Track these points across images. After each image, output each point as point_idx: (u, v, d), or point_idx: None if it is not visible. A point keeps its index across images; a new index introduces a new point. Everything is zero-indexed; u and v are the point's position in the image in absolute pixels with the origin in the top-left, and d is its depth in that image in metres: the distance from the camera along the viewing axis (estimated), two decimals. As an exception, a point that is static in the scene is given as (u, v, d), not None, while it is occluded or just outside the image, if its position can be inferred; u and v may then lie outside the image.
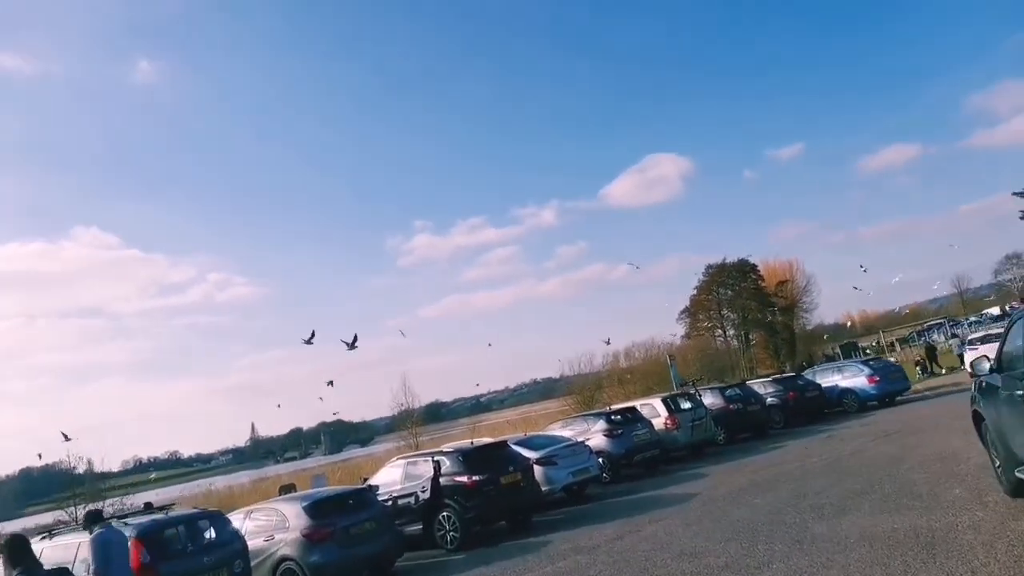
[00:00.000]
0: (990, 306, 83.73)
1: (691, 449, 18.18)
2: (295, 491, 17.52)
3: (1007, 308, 75.92)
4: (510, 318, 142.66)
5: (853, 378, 22.08)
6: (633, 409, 17.75)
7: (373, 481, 13.10)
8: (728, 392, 20.13)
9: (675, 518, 10.24)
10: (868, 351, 62.17)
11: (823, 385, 22.21)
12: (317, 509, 9.85)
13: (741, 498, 10.79)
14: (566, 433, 16.99)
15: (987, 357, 6.87)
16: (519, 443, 14.88)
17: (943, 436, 12.61)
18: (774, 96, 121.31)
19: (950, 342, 38.23)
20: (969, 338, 27.39)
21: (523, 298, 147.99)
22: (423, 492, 11.70)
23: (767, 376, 24.07)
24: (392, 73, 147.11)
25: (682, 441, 17.76)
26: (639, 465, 16.63)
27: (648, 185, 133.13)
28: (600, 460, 16.05)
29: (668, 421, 17.77)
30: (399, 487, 12.31)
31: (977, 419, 7.68)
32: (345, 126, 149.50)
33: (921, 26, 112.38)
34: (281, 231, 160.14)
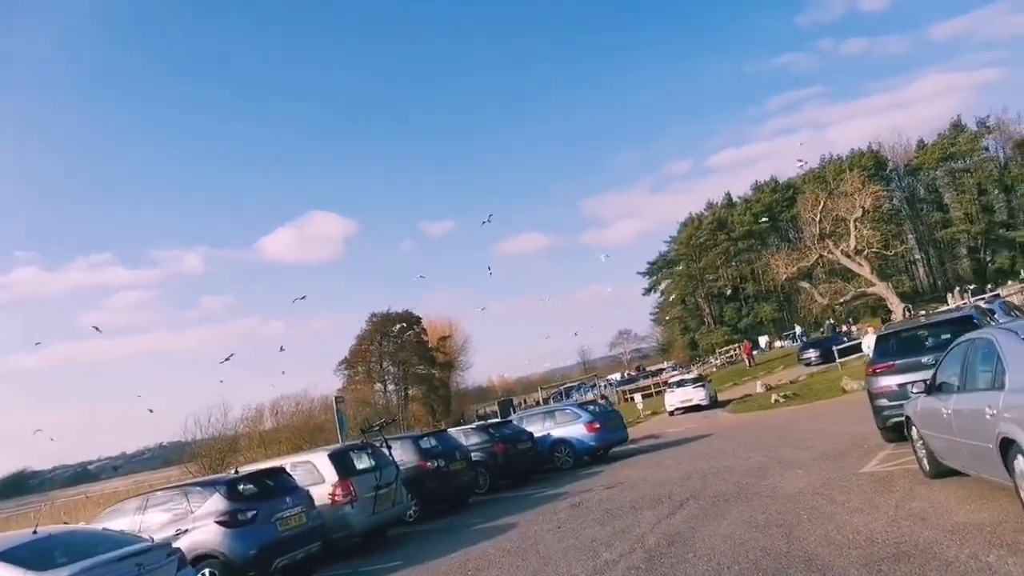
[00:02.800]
0: (609, 373, 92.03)
1: (370, 535, 11.27)
2: None
3: (625, 374, 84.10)
4: (137, 372, 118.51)
5: (568, 425, 17.51)
6: (278, 472, 10.24)
7: None
8: (424, 443, 13.75)
9: None
10: (522, 407, 62.21)
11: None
12: None
13: None
14: (148, 521, 8.90)
15: None
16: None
17: (804, 506, 7.80)
18: (429, 174, 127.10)
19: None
20: (670, 381, 26.18)
21: (156, 350, 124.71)
22: None
23: (471, 423, 18.61)
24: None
25: (358, 524, 10.72)
26: (284, 573, 9.15)
27: (308, 242, 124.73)
28: (205, 574, 8.34)
29: (338, 490, 10.62)
30: None
31: None
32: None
33: (550, 133, 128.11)
34: None
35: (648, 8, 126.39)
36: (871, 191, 37.58)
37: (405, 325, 59.16)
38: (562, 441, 17.30)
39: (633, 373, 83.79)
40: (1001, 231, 72.41)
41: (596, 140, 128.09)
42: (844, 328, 51.62)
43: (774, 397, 24.31)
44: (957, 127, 75.03)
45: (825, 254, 39.27)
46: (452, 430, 16.24)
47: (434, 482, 13.11)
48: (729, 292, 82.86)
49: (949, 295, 40.51)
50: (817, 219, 38.74)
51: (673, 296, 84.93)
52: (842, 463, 9.83)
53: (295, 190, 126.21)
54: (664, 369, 70.59)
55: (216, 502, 8.86)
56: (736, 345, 58.75)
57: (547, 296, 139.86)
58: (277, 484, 9.76)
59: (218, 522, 8.66)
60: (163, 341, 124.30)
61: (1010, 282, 51.67)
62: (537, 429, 17.51)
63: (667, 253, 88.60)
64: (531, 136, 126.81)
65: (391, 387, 66.20)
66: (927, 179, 77.06)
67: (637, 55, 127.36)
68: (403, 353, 65.46)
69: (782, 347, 59.56)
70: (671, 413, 29.64)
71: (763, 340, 67.12)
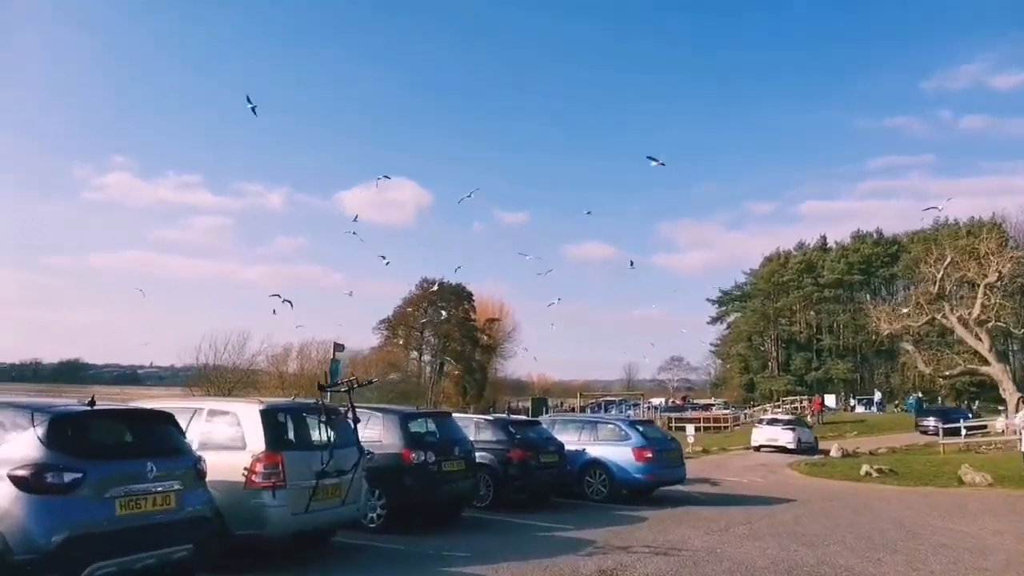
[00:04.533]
0: (653, 397, 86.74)
1: (293, 539, 7.64)
2: None
3: (671, 402, 78.79)
4: (200, 292, 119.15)
5: (611, 445, 13.50)
6: (160, 420, 6.53)
7: None
8: (415, 425, 10.02)
9: None
10: (557, 410, 58.24)
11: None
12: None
13: None
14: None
15: None
16: None
17: None
18: (510, 167, 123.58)
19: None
20: (762, 417, 22.17)
21: (221, 276, 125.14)
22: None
23: (483, 412, 14.90)
24: None
25: (277, 522, 7.06)
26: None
27: (383, 204, 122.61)
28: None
29: (258, 466, 7.02)
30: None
31: None
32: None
33: (640, 147, 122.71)
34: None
35: (774, 45, 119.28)
36: (1013, 255, 31.95)
37: (448, 291, 55.64)
38: (598, 463, 13.32)
39: (679, 402, 78.72)
40: (1125, 340, 64.08)
41: (682, 164, 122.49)
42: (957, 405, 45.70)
43: (865, 468, 19.69)
44: (1103, 214, 66.72)
45: (939, 317, 33.83)
46: (460, 416, 12.46)
47: (415, 482, 9.36)
48: (803, 340, 76.69)
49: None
50: (939, 276, 33.30)
51: (741, 331, 79.23)
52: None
53: (381, 152, 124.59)
54: (714, 405, 65.26)
55: (24, 443, 5.30)
56: (805, 398, 53.15)
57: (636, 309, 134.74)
58: (153, 437, 6.16)
59: (13, 478, 5.11)
60: (230, 270, 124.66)
61: None
62: (569, 441, 13.58)
63: (744, 285, 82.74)
64: (621, 147, 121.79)
65: (427, 358, 63.14)
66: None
67: (747, 85, 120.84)
68: (447, 326, 62.22)
69: (855, 411, 53.70)
70: (757, 449, 29.03)
71: (831, 399, 60.98)
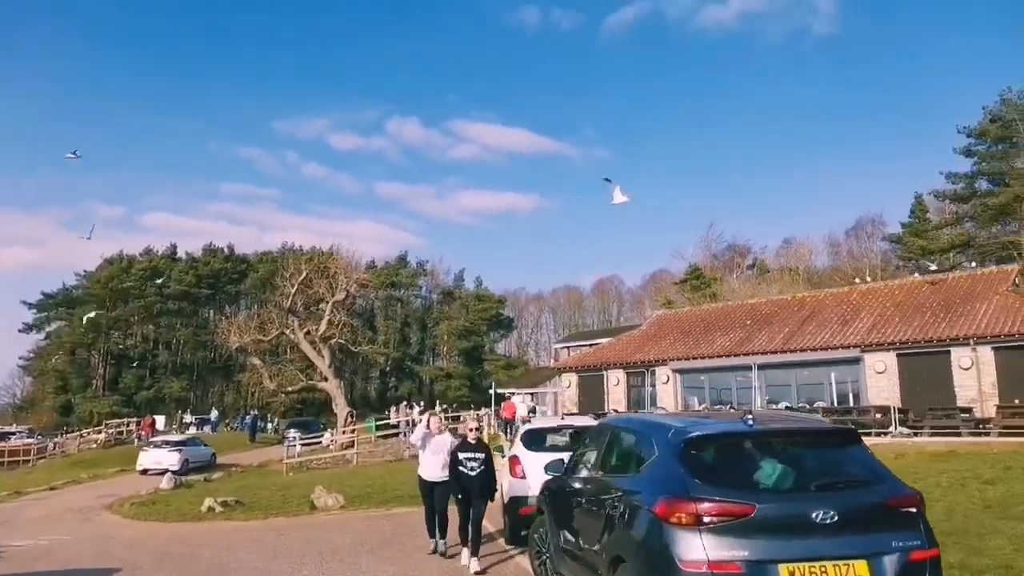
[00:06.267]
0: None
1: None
2: None
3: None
4: None
5: None
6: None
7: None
8: None
9: None
10: None
11: None
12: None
13: None
14: None
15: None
16: None
17: None
18: None
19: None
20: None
21: None
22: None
23: None
24: None
25: None
26: None
27: None
28: None
29: None
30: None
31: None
32: None
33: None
34: None
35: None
36: (359, 277, 34.18)
37: None
38: None
39: None
40: (409, 363, 79.21)
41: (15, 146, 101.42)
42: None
43: (208, 503, 16.15)
44: (403, 260, 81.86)
45: (288, 332, 33.58)
46: None
47: None
48: (136, 355, 69.39)
49: (393, 408, 38.99)
50: (293, 291, 33.12)
51: (64, 342, 66.81)
52: None
53: None
54: (15, 434, 52.15)
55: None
56: (134, 420, 46.88)
57: None
58: None
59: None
60: None
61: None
62: None
63: (74, 288, 70.62)
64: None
65: None
66: (370, 298, 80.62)
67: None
68: None
69: (190, 431, 50.02)
70: (143, 472, 27.42)
71: (161, 420, 55.87)
